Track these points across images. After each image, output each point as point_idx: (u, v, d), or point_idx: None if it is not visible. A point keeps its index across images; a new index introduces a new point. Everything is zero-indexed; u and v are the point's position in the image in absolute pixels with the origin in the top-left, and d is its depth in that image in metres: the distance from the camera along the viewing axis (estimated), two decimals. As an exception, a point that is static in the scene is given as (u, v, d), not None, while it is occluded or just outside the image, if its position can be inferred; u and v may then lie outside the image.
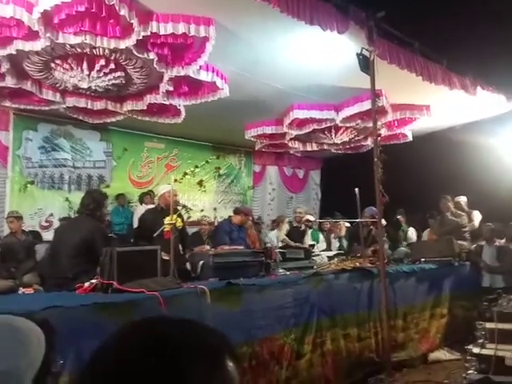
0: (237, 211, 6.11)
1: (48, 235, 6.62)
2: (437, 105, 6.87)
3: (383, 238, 5.15)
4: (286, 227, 7.03)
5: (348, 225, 7.60)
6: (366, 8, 4.48)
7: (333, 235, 8.17)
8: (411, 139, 8.36)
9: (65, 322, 2.26)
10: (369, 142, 8.46)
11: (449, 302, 5.45)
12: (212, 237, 6.34)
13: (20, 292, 3.53)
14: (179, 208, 4.67)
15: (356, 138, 8.32)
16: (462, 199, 7.19)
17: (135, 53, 4.55)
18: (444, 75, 5.77)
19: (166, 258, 3.86)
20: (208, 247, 5.41)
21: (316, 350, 3.85)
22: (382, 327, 4.43)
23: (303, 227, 7.04)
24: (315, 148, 8.96)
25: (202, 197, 9.61)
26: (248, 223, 6.51)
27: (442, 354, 5.09)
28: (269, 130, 7.73)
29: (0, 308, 2.32)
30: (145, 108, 6.26)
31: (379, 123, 6.80)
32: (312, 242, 7.31)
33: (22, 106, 6.38)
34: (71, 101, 6.02)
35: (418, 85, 5.69)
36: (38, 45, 4.34)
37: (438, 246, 5.88)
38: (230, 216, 6.26)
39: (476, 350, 3.48)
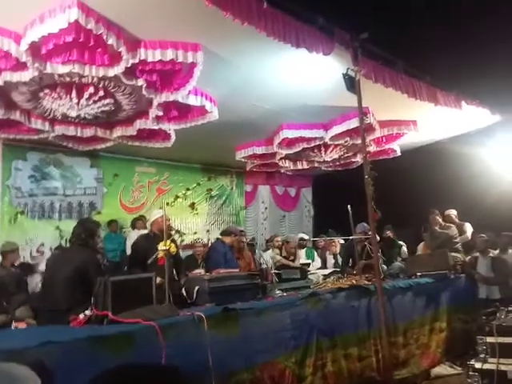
0: (227, 232, 6.09)
1: (39, 266, 6.51)
2: (423, 120, 6.98)
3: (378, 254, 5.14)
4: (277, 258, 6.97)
5: (342, 242, 7.59)
6: (350, 29, 4.57)
7: (327, 252, 8.15)
8: (400, 154, 8.45)
9: (60, 358, 2.20)
10: (358, 159, 8.53)
11: (447, 315, 5.43)
12: (206, 259, 6.28)
13: (12, 327, 3.45)
14: (172, 233, 4.64)
15: (345, 155, 8.39)
16: (453, 212, 7.25)
17: (124, 80, 4.57)
18: (428, 91, 5.88)
19: (159, 281, 3.81)
20: (203, 271, 5.35)
21: (317, 373, 3.79)
22: (382, 345, 4.38)
23: (291, 257, 6.95)
24: (306, 166, 9.01)
25: (194, 219, 9.56)
26: (241, 244, 6.48)
27: (444, 370, 5.05)
28: (259, 150, 7.77)
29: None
30: (135, 133, 6.26)
31: (368, 140, 6.88)
32: (307, 261, 7.29)
33: (11, 136, 6.35)
34: (60, 129, 6.00)
35: (404, 101, 5.79)
36: (27, 75, 4.34)
37: (432, 260, 5.89)
38: (218, 238, 6.23)
39: (478, 365, 3.46)
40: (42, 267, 5.34)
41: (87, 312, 3.09)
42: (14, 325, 3.48)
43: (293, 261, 6.71)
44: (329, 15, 4.54)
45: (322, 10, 4.41)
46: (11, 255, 5.53)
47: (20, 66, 4.19)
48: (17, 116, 5.48)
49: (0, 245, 5.71)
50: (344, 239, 7.23)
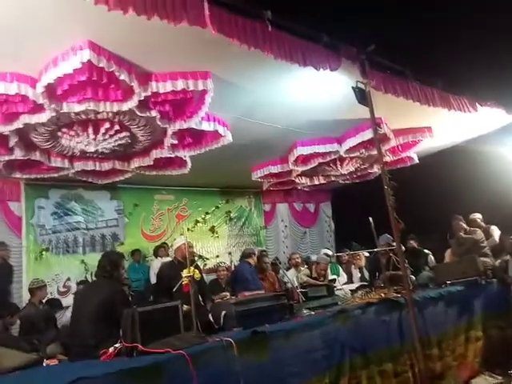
0: (248, 254, 6.29)
1: (67, 300, 6.58)
2: (438, 125, 6.90)
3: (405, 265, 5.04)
4: (303, 267, 6.92)
5: (367, 254, 7.48)
6: (355, 43, 4.60)
7: (353, 266, 8.03)
8: (417, 161, 8.35)
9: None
10: (375, 169, 8.47)
11: (482, 323, 5.25)
12: (232, 281, 6.28)
13: (44, 364, 3.46)
14: (196, 259, 4.65)
15: (362, 167, 8.33)
16: (477, 216, 7.08)
17: (138, 113, 4.68)
18: (441, 97, 5.83)
19: (186, 309, 3.82)
20: (228, 294, 5.33)
21: (353, 392, 3.69)
22: (417, 358, 4.25)
23: (321, 279, 6.86)
24: (323, 181, 8.97)
25: (215, 243, 9.57)
26: (264, 265, 6.49)
27: (484, 380, 4.85)
28: (275, 169, 7.79)
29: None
30: (151, 163, 6.37)
31: (383, 150, 6.83)
32: (333, 277, 7.17)
33: (33, 176, 6.53)
34: (79, 165, 6.16)
35: (417, 108, 5.74)
36: (44, 117, 4.49)
37: (461, 267, 5.73)
38: (243, 260, 6.32)
39: (520, 374, 3.31)
40: (70, 301, 5.40)
41: (117, 345, 3.09)
42: (45, 362, 3.48)
43: (323, 281, 6.64)
44: (333, 31, 4.58)
45: (325, 27, 4.45)
46: (39, 292, 5.62)
47: (37, 108, 4.34)
48: (37, 156, 5.65)
49: (28, 283, 5.81)
50: (369, 252, 7.13)
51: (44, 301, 6.01)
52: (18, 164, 6.01)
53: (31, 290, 5.70)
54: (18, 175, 6.38)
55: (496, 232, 6.99)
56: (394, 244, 5.70)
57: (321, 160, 7.43)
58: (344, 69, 4.60)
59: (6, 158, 5.51)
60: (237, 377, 2.88)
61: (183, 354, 2.74)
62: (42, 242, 7.40)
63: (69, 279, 7.49)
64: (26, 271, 7.06)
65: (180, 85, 4.26)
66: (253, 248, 7.10)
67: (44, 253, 7.36)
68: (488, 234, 6.88)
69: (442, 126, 6.94)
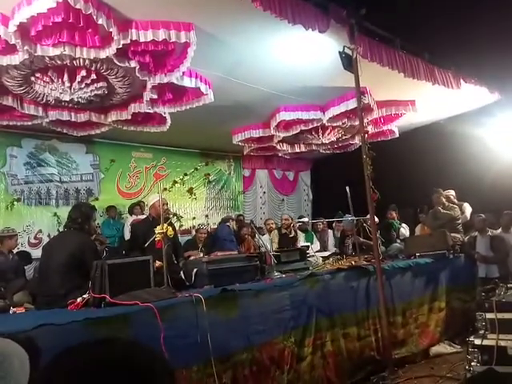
0: (227, 219, 6.27)
1: (37, 252, 6.49)
2: (422, 99, 6.91)
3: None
4: (275, 234, 6.99)
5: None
6: (346, 6, 4.47)
7: (330, 233, 8.24)
8: (398, 135, 8.39)
9: (57, 340, 2.18)
10: (356, 141, 8.47)
11: (446, 295, 5.43)
12: (210, 242, 6.33)
13: (11, 312, 3.43)
14: (170, 217, 4.60)
15: (343, 137, 8.32)
16: (451, 193, 7.21)
17: (116, 62, 4.49)
18: (426, 70, 5.79)
19: (158, 265, 3.82)
20: (201, 254, 5.35)
21: (316, 352, 3.80)
22: (381, 325, 4.39)
23: (293, 233, 6.99)
24: (304, 149, 8.95)
25: (192, 204, 9.54)
26: (244, 229, 6.58)
27: (443, 348, 5.07)
28: (256, 133, 7.70)
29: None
30: (129, 118, 6.19)
31: (365, 121, 6.81)
32: (306, 244, 7.28)
33: (5, 123, 6.26)
34: (54, 114, 5.92)
35: (402, 80, 5.71)
36: (17, 58, 4.26)
37: (431, 240, 5.87)
38: (223, 223, 6.37)
39: (478, 342, 3.45)
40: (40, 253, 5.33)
41: (85, 295, 3.08)
42: (12, 310, 3.45)
43: (290, 234, 6.76)
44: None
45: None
46: (9, 241, 5.51)
47: (9, 48, 4.11)
48: (9, 101, 5.41)
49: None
50: (339, 221, 7.27)
51: (15, 251, 5.91)
52: (-12, 109, 5.75)
53: (1, 239, 5.58)
54: (-12, 121, 6.12)
55: (468, 209, 7.16)
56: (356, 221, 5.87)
57: (303, 127, 7.37)
58: (332, 32, 4.49)
59: (-24, 101, 5.26)
60: (204, 332, 2.92)
61: (151, 307, 2.74)
62: (14, 191, 7.21)
63: (40, 231, 7.38)
64: (-4, 220, 6.90)
65: (162, 34, 4.08)
66: (230, 215, 7.17)
67: (15, 203, 7.19)
68: (461, 211, 7.04)
69: (425, 100, 6.95)
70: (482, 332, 3.47)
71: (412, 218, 8.24)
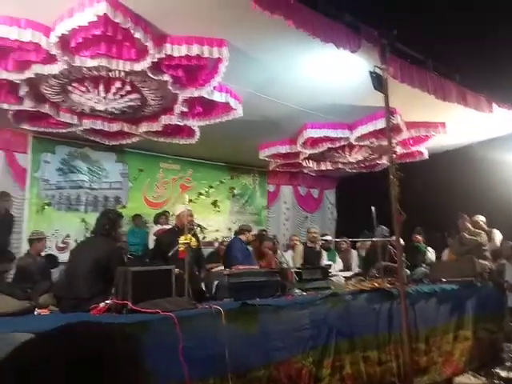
0: (241, 231, 6.28)
1: (64, 256, 6.64)
2: (453, 122, 6.80)
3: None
4: (300, 248, 6.94)
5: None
6: (378, 26, 4.48)
7: (353, 253, 8.12)
8: (427, 157, 8.26)
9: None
10: (384, 161, 8.39)
11: (472, 324, 5.24)
12: (224, 256, 6.31)
13: (36, 313, 3.50)
14: (195, 228, 4.64)
15: (371, 157, 8.26)
16: (481, 218, 7.03)
17: (150, 75, 4.63)
18: (458, 93, 5.72)
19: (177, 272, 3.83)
20: (223, 267, 5.36)
21: (335, 374, 3.71)
22: (403, 350, 4.26)
23: (318, 248, 6.94)
24: (330, 167, 8.92)
25: (216, 217, 9.59)
26: (266, 250, 6.53)
27: (467, 379, 4.87)
28: (282, 149, 7.73)
29: (18, 329, 2.29)
30: (160, 129, 6.33)
31: (394, 141, 6.74)
32: (329, 262, 7.20)
33: (41, 129, 6.52)
34: (88, 123, 6.13)
35: (433, 102, 5.64)
36: (56, 68, 4.44)
37: (458, 266, 5.71)
38: (236, 236, 6.31)
39: (503, 374, 3.32)
40: (67, 258, 5.46)
41: (108, 301, 3.12)
42: (37, 311, 3.53)
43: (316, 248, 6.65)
44: (356, 12, 4.48)
45: (349, 7, 4.35)
46: (37, 244, 5.68)
47: (50, 58, 4.29)
48: (46, 109, 5.62)
49: (28, 234, 5.87)
50: (362, 241, 7.16)
51: (42, 254, 6.08)
52: (26, 115, 5.99)
53: (30, 241, 5.77)
54: (26, 127, 6.36)
55: (498, 236, 6.96)
56: (389, 236, 5.73)
57: (330, 145, 7.36)
58: (363, 52, 4.50)
59: (16, 107, 5.49)
60: (223, 345, 2.90)
61: (172, 316, 2.76)
62: (45, 196, 7.43)
63: (68, 236, 7.55)
64: (27, 223, 7.12)
65: (195, 50, 4.19)
66: (249, 225, 7.08)
67: (46, 207, 7.41)
68: (490, 237, 6.84)
69: (456, 123, 6.84)
70: (508, 364, 3.33)
71: (439, 242, 8.04)
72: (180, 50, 4.23)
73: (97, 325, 0.60)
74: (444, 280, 5.46)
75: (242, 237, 6.11)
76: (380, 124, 6.32)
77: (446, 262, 6.94)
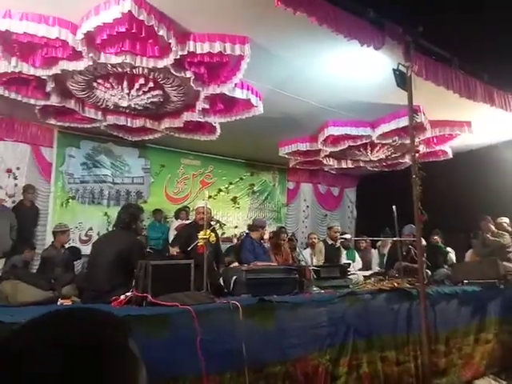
0: (254, 227, 6.13)
1: (87, 249, 6.79)
2: (478, 121, 6.65)
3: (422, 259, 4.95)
4: (320, 246, 6.90)
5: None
6: (402, 23, 4.42)
7: (373, 252, 8.04)
8: (451, 156, 8.11)
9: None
10: (406, 159, 8.27)
11: (494, 326, 5.14)
12: (236, 254, 6.33)
13: (59, 303, 3.61)
14: (213, 223, 4.69)
15: (393, 155, 8.15)
16: (505, 220, 6.87)
17: (173, 72, 4.68)
18: (484, 92, 5.59)
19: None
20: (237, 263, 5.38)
21: (352, 373, 3.70)
22: (422, 351, 4.21)
23: (338, 245, 6.90)
24: (350, 165, 8.84)
25: (235, 213, 9.64)
26: (281, 242, 6.47)
27: (488, 382, 4.79)
28: (303, 146, 7.70)
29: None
30: (181, 125, 6.40)
31: (417, 140, 6.64)
32: (347, 261, 7.15)
33: (66, 124, 6.67)
34: (112, 119, 6.24)
35: (459, 100, 5.53)
36: (82, 65, 4.54)
37: (481, 268, 5.59)
38: (247, 233, 6.26)
39: (526, 379, 3.24)
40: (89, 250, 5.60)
41: (128, 293, 3.19)
42: (60, 301, 3.63)
43: (336, 245, 6.66)
44: (380, 9, 4.42)
45: (373, 3, 4.29)
46: (61, 236, 5.83)
47: (76, 55, 4.38)
48: (71, 104, 5.75)
49: (52, 227, 6.03)
50: (384, 239, 7.07)
51: (66, 246, 6.24)
52: (52, 110, 6.14)
53: (54, 233, 5.92)
54: (52, 121, 6.53)
55: (522, 238, 6.77)
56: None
57: (351, 143, 7.30)
58: (387, 49, 4.44)
59: (42, 102, 5.63)
60: (240, 340, 2.93)
61: (190, 310, 2.80)
62: (70, 189, 7.61)
63: (91, 229, 7.72)
64: (52, 216, 7.31)
65: (217, 47, 4.21)
66: (263, 220, 7.02)
67: (70, 200, 7.58)
68: (513, 240, 6.68)
69: (482, 122, 6.68)
70: (532, 369, 3.25)
71: (462, 243, 7.89)
72: (202, 47, 4.26)
73: (97, 313, 0.60)
74: (466, 281, 5.37)
75: (254, 234, 5.93)
76: (403, 122, 6.23)
77: (468, 263, 6.80)
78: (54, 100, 5.53)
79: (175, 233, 6.67)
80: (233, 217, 9.54)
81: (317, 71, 5.18)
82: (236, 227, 9.38)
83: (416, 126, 5.69)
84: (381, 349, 4.00)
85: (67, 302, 3.69)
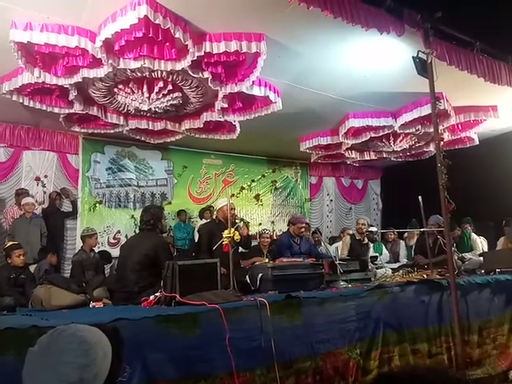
0: (288, 223, 6.11)
1: (116, 251, 6.95)
2: (505, 104, 6.45)
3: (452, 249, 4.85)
4: (347, 240, 6.84)
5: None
6: (421, 10, 4.33)
7: (402, 244, 7.93)
8: (477, 143, 7.89)
9: (131, 334, 2.33)
10: (431, 148, 8.10)
11: (530, 315, 4.99)
12: (271, 250, 6.31)
13: (91, 306, 3.70)
14: (237, 222, 4.71)
15: (417, 145, 8.00)
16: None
17: (191, 73, 4.72)
18: (509, 75, 5.43)
19: (223, 271, 3.88)
20: (266, 260, 5.38)
21: (383, 366, 3.66)
22: (454, 342, 4.13)
23: (366, 240, 6.80)
24: (373, 157, 8.73)
25: (259, 210, 9.67)
26: (301, 234, 6.43)
27: (525, 373, 4.65)
28: (324, 140, 7.65)
29: (75, 321, 2.44)
30: (201, 126, 6.45)
31: (441, 127, 6.50)
32: (375, 254, 7.06)
33: (90, 131, 6.83)
34: (133, 123, 6.36)
35: (483, 85, 5.40)
36: (102, 71, 4.64)
37: (514, 256, 5.43)
38: (287, 229, 6.24)
39: None
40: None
41: (157, 294, 3.24)
42: (92, 304, 3.72)
43: (364, 241, 6.60)
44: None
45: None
46: (89, 240, 5.97)
47: (96, 62, 4.48)
48: (94, 111, 5.88)
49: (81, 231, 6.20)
50: (410, 231, 6.95)
51: (96, 250, 6.39)
52: (76, 118, 6.30)
53: (83, 238, 6.08)
54: (76, 129, 6.70)
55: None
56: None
57: (373, 134, 7.20)
58: (406, 37, 4.37)
59: (66, 110, 5.78)
60: (268, 336, 2.94)
61: (218, 308, 2.83)
62: (97, 194, 7.80)
63: (119, 232, 7.89)
64: (80, 220, 7.50)
65: (233, 46, 4.23)
66: (298, 216, 6.95)
67: (97, 205, 7.77)
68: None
69: (509, 106, 6.48)
70: None
71: (493, 231, 7.68)
72: (219, 47, 4.29)
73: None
74: (498, 270, 5.23)
75: (291, 229, 5.85)
76: (425, 110, 6.11)
77: (500, 251, 6.61)
78: (77, 108, 5.67)
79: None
80: (256, 214, 9.57)
81: (334, 63, 5.14)
82: (260, 224, 9.40)
83: (439, 114, 5.57)
84: (412, 341, 3.94)
85: (99, 305, 3.78)
